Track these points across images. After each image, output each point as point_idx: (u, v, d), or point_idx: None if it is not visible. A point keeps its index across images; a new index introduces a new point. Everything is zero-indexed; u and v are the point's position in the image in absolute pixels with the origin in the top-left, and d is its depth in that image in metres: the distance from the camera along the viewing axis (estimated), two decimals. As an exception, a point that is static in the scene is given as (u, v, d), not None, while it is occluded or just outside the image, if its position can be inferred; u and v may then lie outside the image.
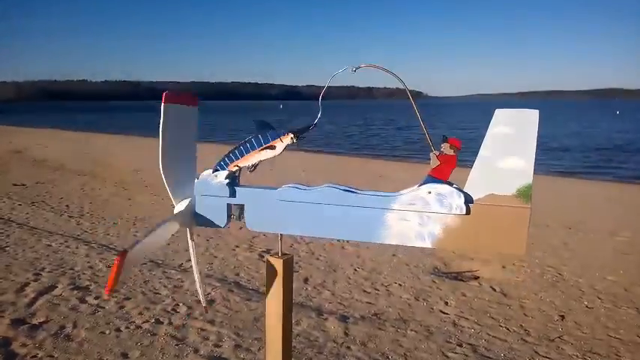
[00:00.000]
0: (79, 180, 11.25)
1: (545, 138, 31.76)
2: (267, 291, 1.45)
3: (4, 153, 16.68)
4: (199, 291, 1.64)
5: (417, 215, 1.22)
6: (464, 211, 1.17)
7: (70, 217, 7.58)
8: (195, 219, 1.45)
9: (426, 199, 1.21)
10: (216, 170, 1.42)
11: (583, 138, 31.99)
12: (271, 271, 1.44)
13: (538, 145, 1.13)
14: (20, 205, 8.32)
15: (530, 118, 1.11)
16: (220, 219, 1.40)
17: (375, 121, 56.10)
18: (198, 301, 4.25)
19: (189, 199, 1.43)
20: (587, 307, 4.61)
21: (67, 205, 8.42)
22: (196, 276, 1.62)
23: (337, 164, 17.00)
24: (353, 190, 1.29)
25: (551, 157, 21.81)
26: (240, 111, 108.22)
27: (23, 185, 10.32)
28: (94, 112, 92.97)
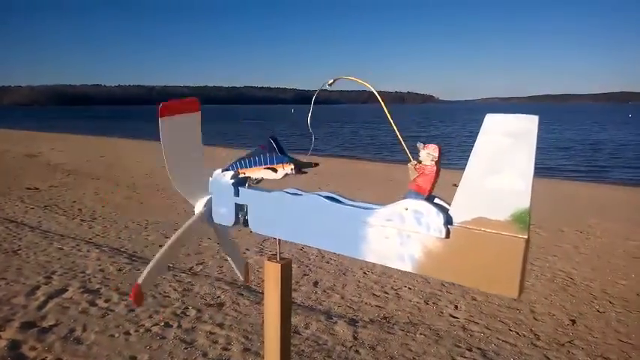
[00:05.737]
0: (92, 184, 11.36)
1: (552, 140, 31.50)
2: (266, 295, 1.45)
3: (19, 157, 16.90)
4: (236, 270, 1.82)
5: (397, 233, 1.06)
6: (443, 234, 0.98)
7: (82, 220, 7.65)
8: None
9: (402, 216, 1.04)
10: (226, 170, 1.44)
11: (593, 141, 31.69)
12: (269, 276, 1.44)
13: (539, 150, 0.85)
14: (33, 208, 8.42)
15: (529, 125, 0.85)
16: (228, 218, 1.41)
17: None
18: (209, 305, 4.27)
19: (206, 199, 1.48)
20: (598, 311, 4.56)
21: (79, 209, 8.51)
22: (229, 259, 1.78)
23: (352, 168, 16.96)
24: (338, 198, 1.20)
25: (561, 159, 21.64)
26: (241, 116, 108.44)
27: (36, 189, 10.44)
28: (109, 118, 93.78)
